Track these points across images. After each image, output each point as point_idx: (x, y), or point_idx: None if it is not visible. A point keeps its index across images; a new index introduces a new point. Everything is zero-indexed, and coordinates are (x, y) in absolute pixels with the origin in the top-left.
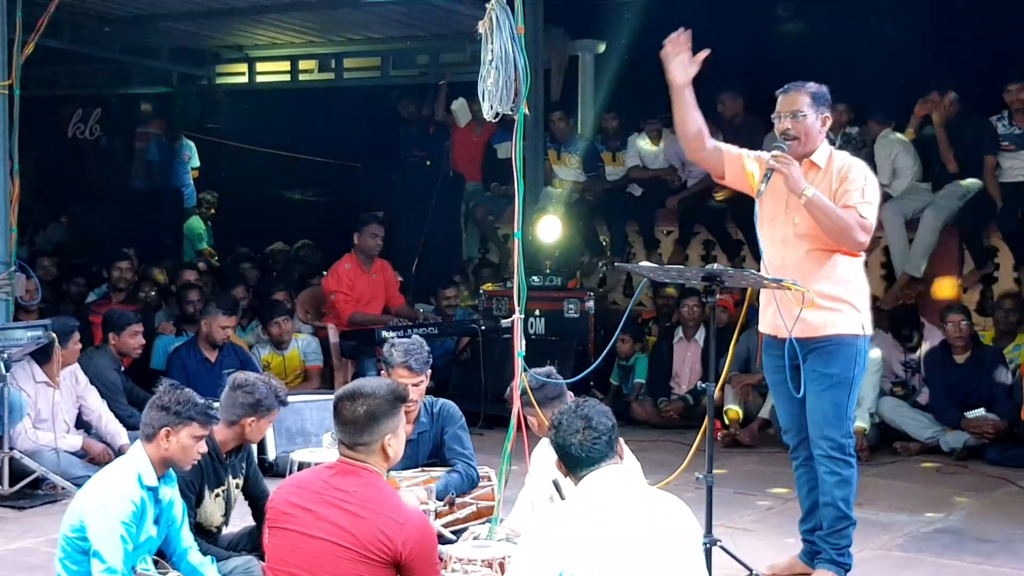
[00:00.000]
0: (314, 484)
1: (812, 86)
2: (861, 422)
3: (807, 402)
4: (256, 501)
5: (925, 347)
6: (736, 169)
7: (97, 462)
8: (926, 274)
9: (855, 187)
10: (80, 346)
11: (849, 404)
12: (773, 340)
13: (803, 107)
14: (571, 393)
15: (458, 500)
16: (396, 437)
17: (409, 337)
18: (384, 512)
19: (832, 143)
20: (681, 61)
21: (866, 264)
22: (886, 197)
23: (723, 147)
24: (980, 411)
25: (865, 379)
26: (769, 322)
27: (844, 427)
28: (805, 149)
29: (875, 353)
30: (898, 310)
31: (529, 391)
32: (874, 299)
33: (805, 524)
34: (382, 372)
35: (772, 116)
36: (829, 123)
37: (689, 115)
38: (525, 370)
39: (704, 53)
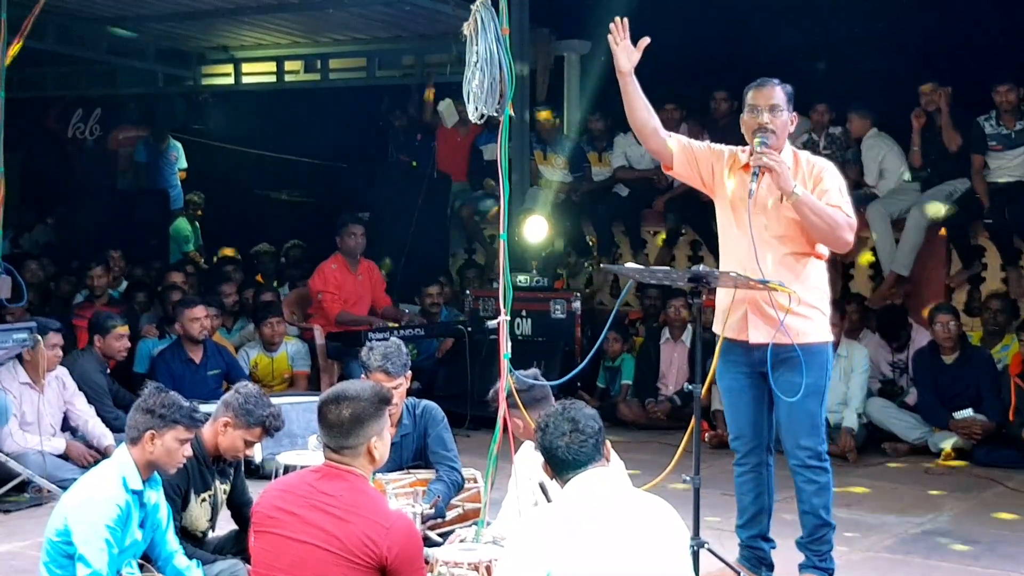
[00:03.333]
0: (300, 488)
1: (782, 83)
2: (849, 423)
3: (779, 412)
4: (239, 509)
5: (913, 347)
6: (689, 162)
7: (79, 464)
8: (913, 274)
9: (833, 186)
10: (59, 349)
11: (822, 411)
12: (735, 345)
13: (780, 102)
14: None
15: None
16: (381, 439)
17: (389, 340)
18: (370, 516)
19: (815, 144)
20: (624, 48)
21: (853, 264)
22: (872, 197)
23: (676, 138)
24: (968, 412)
25: (853, 379)
26: (735, 326)
27: (820, 435)
28: (777, 146)
29: (863, 353)
30: (886, 310)
31: (516, 393)
32: (862, 299)
33: (749, 530)
34: (363, 375)
35: (746, 111)
36: (796, 123)
37: (636, 102)
38: (511, 371)
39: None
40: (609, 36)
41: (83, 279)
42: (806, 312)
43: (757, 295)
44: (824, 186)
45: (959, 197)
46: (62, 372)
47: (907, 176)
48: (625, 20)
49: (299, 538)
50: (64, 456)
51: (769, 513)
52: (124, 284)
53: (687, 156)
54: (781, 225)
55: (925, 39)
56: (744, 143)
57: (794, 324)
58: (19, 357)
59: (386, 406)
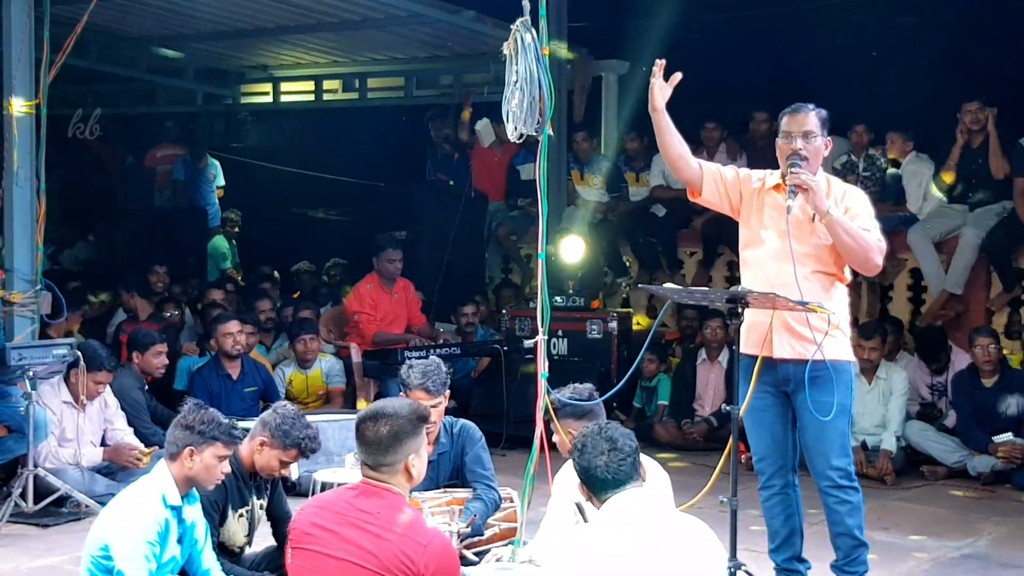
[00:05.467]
0: (337, 505)
1: (816, 108)
2: (888, 446)
3: (807, 433)
4: (278, 523)
5: (952, 370)
6: (718, 189)
7: (125, 463)
8: (955, 297)
9: (863, 211)
10: (103, 381)
11: (849, 431)
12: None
13: (814, 128)
14: None
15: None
16: (419, 457)
17: (428, 358)
18: (407, 534)
19: (855, 165)
20: (660, 86)
21: (892, 287)
22: (912, 219)
23: (706, 167)
24: (1008, 435)
25: (892, 402)
26: (759, 344)
27: (850, 454)
28: (811, 171)
29: (902, 376)
30: (927, 332)
31: (552, 412)
32: (899, 322)
33: (782, 553)
34: (402, 393)
35: (780, 136)
36: (831, 148)
37: (670, 137)
38: (548, 392)
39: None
40: (652, 79)
41: (116, 298)
42: (831, 331)
43: (786, 314)
44: (855, 211)
45: (1001, 220)
46: (106, 391)
47: (945, 198)
48: (663, 61)
49: (336, 555)
50: (105, 469)
51: (801, 534)
52: None
53: (716, 184)
54: (811, 245)
55: (965, 59)
56: (779, 167)
57: (820, 340)
58: (65, 378)
59: (424, 424)
